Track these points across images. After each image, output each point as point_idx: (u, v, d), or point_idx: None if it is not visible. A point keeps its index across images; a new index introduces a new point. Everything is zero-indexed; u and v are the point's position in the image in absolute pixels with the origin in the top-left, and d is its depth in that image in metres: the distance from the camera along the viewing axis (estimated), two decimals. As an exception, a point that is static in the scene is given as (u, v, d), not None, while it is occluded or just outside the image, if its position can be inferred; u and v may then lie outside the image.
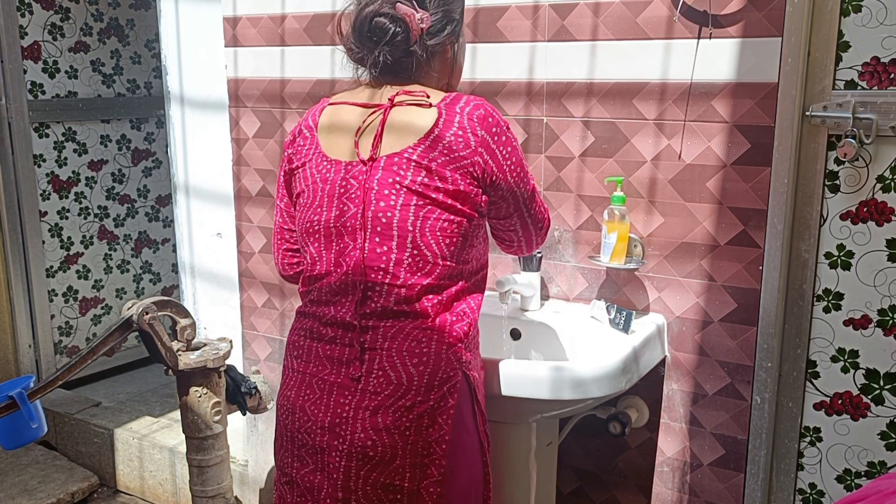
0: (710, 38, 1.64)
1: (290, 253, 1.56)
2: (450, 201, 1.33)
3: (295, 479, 1.44)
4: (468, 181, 1.34)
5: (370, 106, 1.40)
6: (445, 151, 1.33)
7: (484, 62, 1.90)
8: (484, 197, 1.37)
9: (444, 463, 1.37)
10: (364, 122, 1.39)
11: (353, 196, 1.36)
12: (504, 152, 1.37)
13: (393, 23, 1.35)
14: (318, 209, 1.40)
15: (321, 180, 1.41)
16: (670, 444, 1.85)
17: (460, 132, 1.33)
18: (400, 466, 1.35)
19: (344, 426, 1.36)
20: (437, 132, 1.33)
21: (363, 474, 1.36)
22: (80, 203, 3.50)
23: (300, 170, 1.45)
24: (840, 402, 1.70)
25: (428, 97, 1.37)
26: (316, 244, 1.41)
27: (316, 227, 1.40)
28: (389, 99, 1.38)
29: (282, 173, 1.51)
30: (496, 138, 1.36)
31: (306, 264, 1.45)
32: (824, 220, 1.65)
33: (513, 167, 1.39)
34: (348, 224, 1.36)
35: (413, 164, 1.33)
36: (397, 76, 1.41)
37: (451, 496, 1.39)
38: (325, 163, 1.41)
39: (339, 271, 1.38)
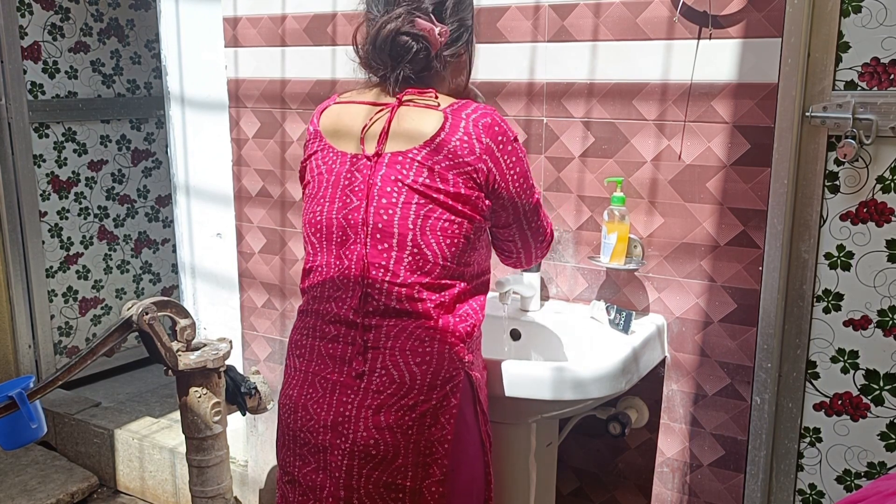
0: (710, 38, 1.64)
1: None
2: (451, 202, 1.34)
3: (297, 478, 1.44)
4: (469, 185, 1.34)
5: (377, 104, 1.41)
6: (449, 156, 1.33)
7: (484, 62, 1.90)
8: (487, 202, 1.37)
9: (447, 462, 1.37)
10: (371, 119, 1.39)
11: (357, 189, 1.37)
12: (508, 162, 1.37)
13: (415, 41, 1.35)
14: (322, 200, 1.41)
15: (327, 171, 1.42)
16: (670, 445, 1.85)
17: (465, 137, 1.33)
18: (402, 465, 1.35)
19: (346, 425, 1.36)
20: (442, 136, 1.33)
21: (365, 473, 1.36)
22: (80, 203, 3.50)
23: (308, 162, 1.47)
24: (840, 402, 1.70)
25: (437, 98, 1.38)
26: (318, 235, 1.42)
27: (318, 219, 1.42)
28: (398, 97, 1.39)
29: (300, 170, 1.54)
30: (501, 147, 1.36)
31: (307, 255, 1.46)
32: (824, 221, 1.65)
33: (516, 178, 1.39)
34: (350, 218, 1.37)
35: (416, 164, 1.34)
36: (413, 84, 1.41)
37: (452, 495, 1.39)
38: (331, 154, 1.43)
39: (339, 265, 1.39)
